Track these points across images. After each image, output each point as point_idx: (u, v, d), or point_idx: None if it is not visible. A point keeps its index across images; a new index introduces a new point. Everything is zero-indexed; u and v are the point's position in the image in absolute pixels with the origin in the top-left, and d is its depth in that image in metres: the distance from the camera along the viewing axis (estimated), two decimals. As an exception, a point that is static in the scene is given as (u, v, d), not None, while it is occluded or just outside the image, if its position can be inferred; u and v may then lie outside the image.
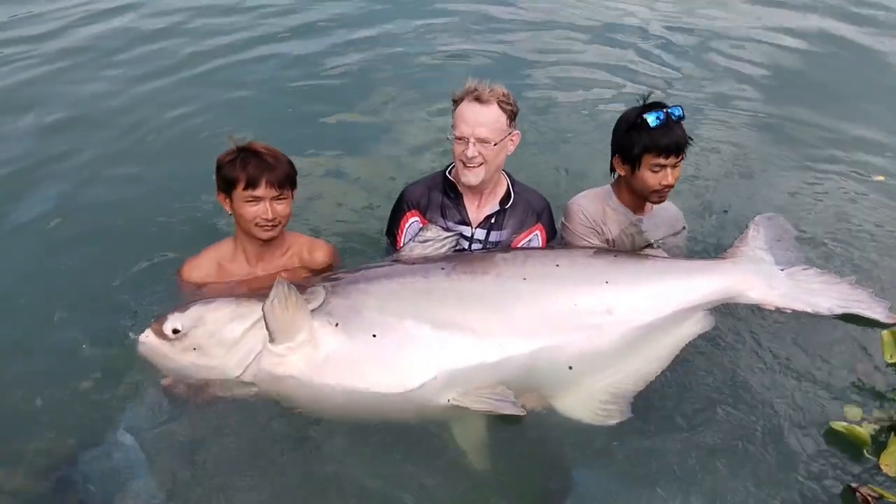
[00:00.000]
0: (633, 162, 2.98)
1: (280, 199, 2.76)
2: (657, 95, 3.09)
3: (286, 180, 2.75)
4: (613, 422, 2.46)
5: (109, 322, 2.85)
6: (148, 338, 2.53)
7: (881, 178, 4.43)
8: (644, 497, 2.31)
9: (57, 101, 5.01)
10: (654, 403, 2.63)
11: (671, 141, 2.88)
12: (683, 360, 2.75)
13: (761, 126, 5.12)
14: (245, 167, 2.68)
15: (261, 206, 2.73)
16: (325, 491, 2.36)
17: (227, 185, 2.74)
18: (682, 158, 2.96)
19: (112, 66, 5.67)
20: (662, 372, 2.62)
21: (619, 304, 2.70)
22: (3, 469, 2.38)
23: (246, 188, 2.70)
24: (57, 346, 2.81)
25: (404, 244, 2.99)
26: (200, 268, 2.90)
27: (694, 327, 2.78)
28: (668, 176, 2.93)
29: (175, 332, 2.50)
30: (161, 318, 2.53)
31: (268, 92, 5.38)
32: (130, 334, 2.58)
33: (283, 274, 2.82)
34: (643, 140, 2.91)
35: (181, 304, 2.57)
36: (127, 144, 4.56)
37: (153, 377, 2.55)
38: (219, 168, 2.76)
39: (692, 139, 3.04)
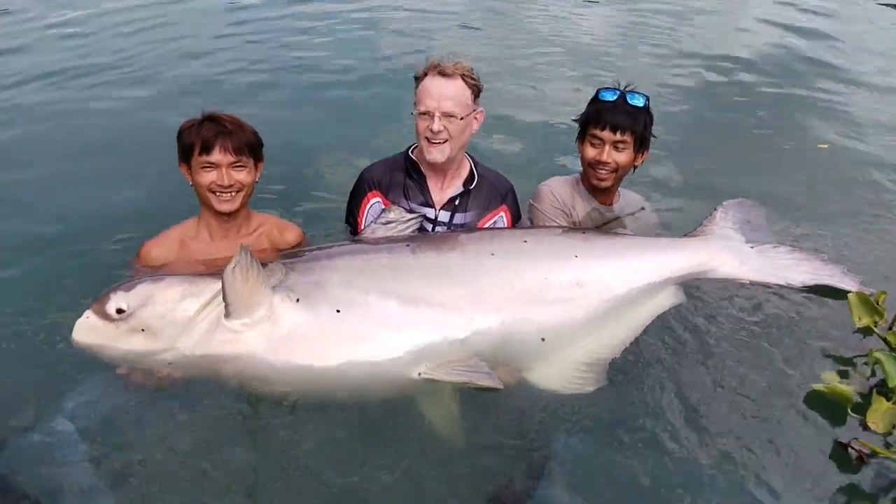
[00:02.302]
0: (581, 133, 3.03)
1: (238, 165, 2.63)
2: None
3: (245, 147, 2.63)
4: (590, 389, 2.39)
5: (53, 304, 2.64)
6: (88, 319, 2.29)
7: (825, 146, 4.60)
8: (624, 463, 2.22)
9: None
10: (630, 372, 2.56)
11: (614, 117, 2.89)
12: (657, 335, 2.71)
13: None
14: (200, 131, 2.57)
15: (215, 172, 2.60)
16: (283, 478, 2.18)
17: (185, 153, 2.63)
18: (631, 146, 2.94)
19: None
20: (636, 342, 2.58)
21: (589, 278, 2.64)
22: None
23: (201, 153, 2.58)
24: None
25: (366, 226, 2.87)
26: (162, 245, 2.71)
27: (666, 300, 2.76)
28: (604, 153, 2.92)
29: (119, 311, 2.28)
30: (103, 297, 2.31)
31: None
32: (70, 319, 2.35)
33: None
34: (589, 110, 2.99)
35: (125, 282, 2.37)
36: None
37: (100, 362, 2.33)
38: (178, 135, 2.65)
39: (654, 136, 3.06)
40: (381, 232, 2.78)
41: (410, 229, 2.80)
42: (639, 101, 2.96)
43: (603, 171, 2.98)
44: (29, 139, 4.48)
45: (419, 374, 2.31)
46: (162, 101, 5.12)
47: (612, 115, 2.91)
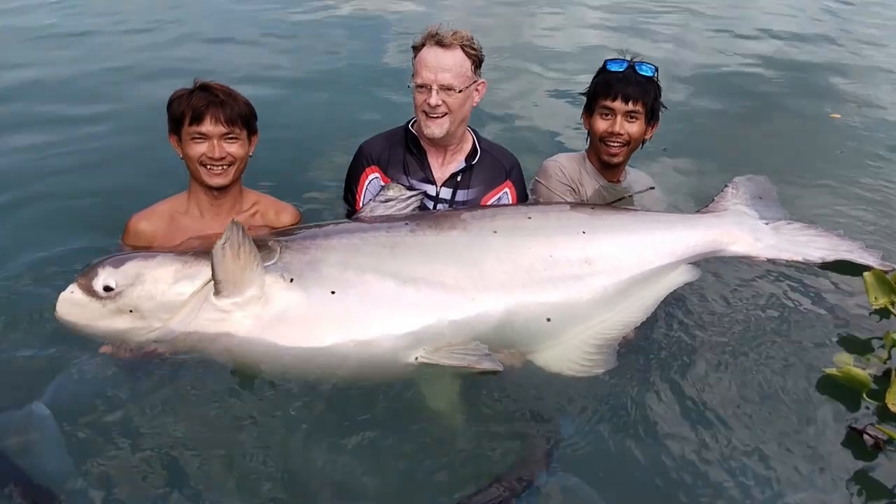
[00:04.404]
0: (589, 107, 2.94)
1: (230, 137, 2.51)
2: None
3: (238, 118, 2.50)
4: (599, 371, 2.28)
5: (41, 281, 2.55)
6: (73, 294, 2.18)
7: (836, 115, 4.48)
8: (634, 448, 2.10)
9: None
10: (639, 354, 2.45)
11: (625, 87, 2.82)
12: (667, 315, 2.59)
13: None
14: (191, 100, 2.45)
15: (206, 144, 2.48)
16: (271, 462, 2.06)
17: (175, 123, 2.51)
18: (643, 116, 2.86)
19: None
20: (647, 322, 2.46)
21: (598, 255, 2.53)
22: None
23: (191, 123, 2.46)
24: None
25: (364, 204, 2.75)
26: (150, 219, 2.60)
27: (677, 279, 2.64)
28: (616, 124, 2.84)
29: (107, 289, 2.17)
30: (90, 272, 2.19)
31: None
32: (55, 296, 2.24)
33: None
34: (598, 81, 2.91)
35: (114, 256, 2.24)
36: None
37: (83, 343, 2.23)
38: (168, 104, 2.52)
39: (665, 106, 2.97)
40: (381, 210, 2.66)
41: (410, 207, 2.69)
42: (648, 71, 2.89)
43: (615, 145, 2.88)
44: (22, 115, 4.37)
45: (417, 358, 2.21)
46: (154, 75, 5.00)
47: (622, 85, 2.82)
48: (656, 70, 2.91)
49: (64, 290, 2.19)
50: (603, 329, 2.40)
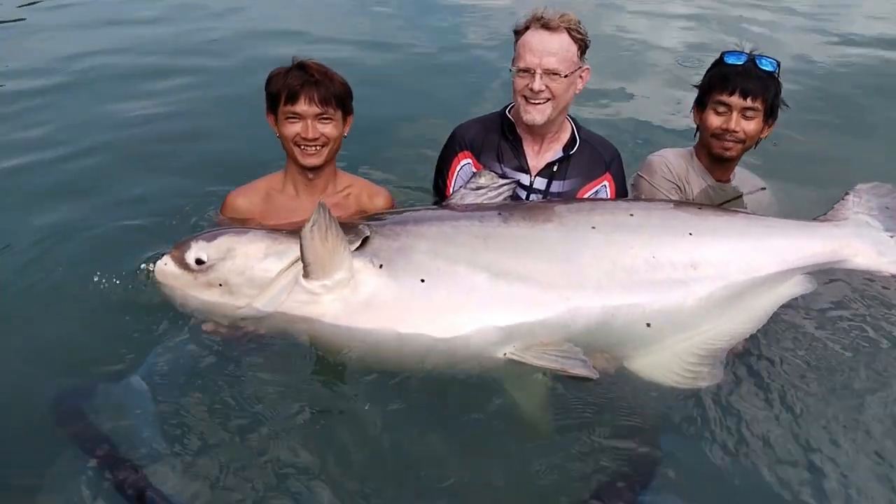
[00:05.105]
0: (702, 101, 2.75)
1: (324, 118, 2.47)
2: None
3: (332, 98, 2.46)
4: (703, 384, 2.12)
5: (142, 256, 2.55)
6: (166, 265, 2.21)
7: None
8: (739, 468, 1.95)
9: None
10: (747, 370, 2.27)
11: (743, 82, 2.62)
12: (778, 328, 2.39)
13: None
14: (287, 79, 2.43)
15: (300, 124, 2.46)
16: (352, 450, 2.02)
17: (272, 102, 2.51)
18: (761, 114, 2.66)
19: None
20: (756, 334, 2.28)
21: (704, 259, 2.33)
22: (14, 390, 2.17)
23: (286, 103, 2.44)
24: (84, 281, 2.51)
25: (454, 191, 2.65)
26: (247, 196, 2.63)
27: (791, 290, 2.41)
28: (732, 120, 2.64)
29: (199, 262, 2.18)
30: (183, 245, 2.21)
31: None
32: (150, 265, 2.26)
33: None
34: (714, 74, 2.71)
35: (207, 231, 2.25)
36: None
37: (182, 318, 2.24)
38: (266, 83, 2.52)
39: (786, 104, 2.75)
40: (471, 198, 2.55)
41: (502, 196, 2.57)
42: (769, 66, 2.67)
43: (729, 142, 2.67)
44: (126, 97, 4.49)
45: (505, 354, 2.10)
46: (252, 54, 5.03)
47: (741, 79, 2.62)
48: (778, 65, 2.70)
49: (159, 260, 2.22)
50: (708, 339, 2.23)
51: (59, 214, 3.10)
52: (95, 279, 2.45)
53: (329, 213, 2.09)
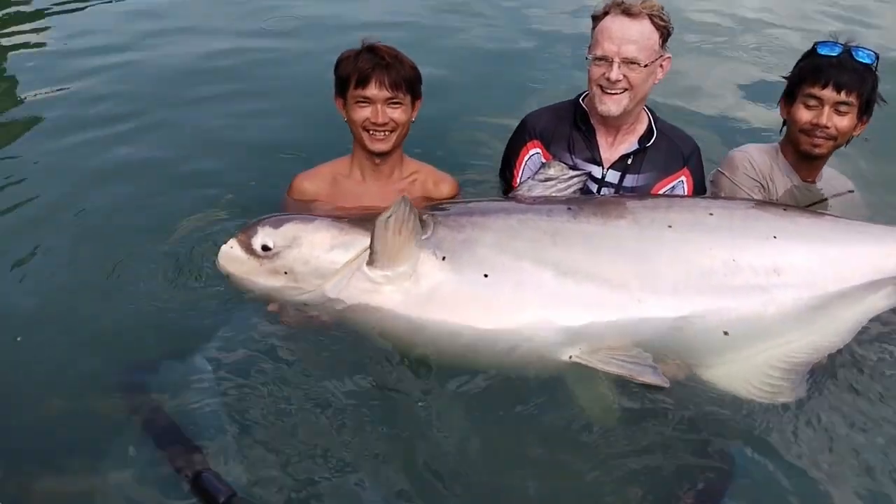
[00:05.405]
0: (791, 93, 2.58)
1: (393, 102, 2.43)
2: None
3: (402, 83, 2.42)
4: (784, 399, 2.00)
5: (210, 237, 2.59)
6: (233, 249, 2.19)
7: None
8: (823, 494, 1.81)
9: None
10: (832, 385, 2.13)
11: (837, 74, 2.44)
12: (869, 341, 2.22)
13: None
14: (357, 63, 2.39)
15: (370, 108, 2.42)
16: (410, 446, 1.98)
17: (341, 85, 2.48)
18: (855, 110, 2.48)
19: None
20: (844, 349, 2.12)
21: (789, 265, 2.19)
22: (82, 359, 2.21)
23: (356, 87, 2.41)
24: (150, 258, 2.57)
25: (522, 182, 2.56)
26: (314, 180, 2.62)
27: (883, 301, 2.23)
28: (823, 115, 2.47)
29: (265, 248, 2.16)
30: (250, 229, 2.19)
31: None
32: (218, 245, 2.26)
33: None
34: (805, 65, 2.54)
35: (273, 216, 2.23)
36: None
37: (248, 301, 2.24)
38: (336, 66, 2.49)
39: (884, 100, 2.55)
40: (539, 189, 2.45)
41: (572, 189, 2.45)
42: (867, 58, 2.48)
43: (819, 138, 2.49)
44: (196, 83, 4.54)
45: (570, 356, 2.02)
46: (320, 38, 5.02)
47: (835, 71, 2.44)
48: (877, 57, 2.50)
49: (225, 243, 2.21)
50: (790, 351, 2.09)
51: (127, 188, 3.16)
52: (163, 256, 2.49)
53: (410, 206, 2.05)
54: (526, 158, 2.69)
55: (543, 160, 2.62)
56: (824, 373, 2.12)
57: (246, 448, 1.91)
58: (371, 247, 2.06)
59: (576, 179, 2.48)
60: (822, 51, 2.51)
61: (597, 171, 2.63)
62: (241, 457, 1.88)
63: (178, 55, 4.90)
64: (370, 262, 2.08)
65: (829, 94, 2.45)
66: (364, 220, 2.21)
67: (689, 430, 1.98)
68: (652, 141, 2.62)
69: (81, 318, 2.37)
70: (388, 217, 2.01)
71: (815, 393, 2.04)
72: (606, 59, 2.43)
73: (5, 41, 5.21)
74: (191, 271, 2.45)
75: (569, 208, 2.33)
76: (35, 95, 4.22)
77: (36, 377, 2.15)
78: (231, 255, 2.19)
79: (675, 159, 2.63)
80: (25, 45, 5.19)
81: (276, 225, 2.19)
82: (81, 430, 1.98)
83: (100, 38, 5.18)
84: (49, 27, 5.56)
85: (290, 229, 2.17)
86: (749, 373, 2.04)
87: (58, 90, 4.26)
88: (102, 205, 3.02)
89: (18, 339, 2.26)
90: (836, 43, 2.51)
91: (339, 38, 4.18)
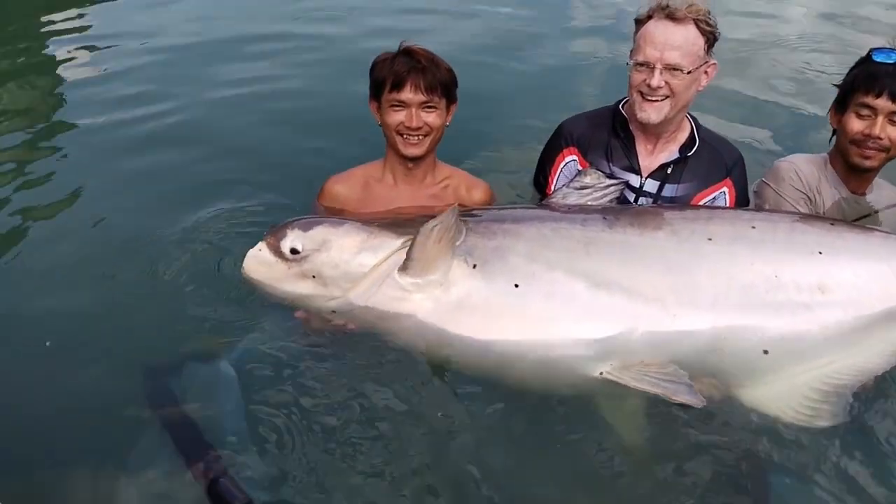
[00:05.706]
0: (843, 102, 2.47)
1: (428, 106, 2.40)
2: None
3: (438, 86, 2.39)
4: (824, 424, 1.91)
5: (240, 241, 2.58)
6: (261, 252, 2.17)
7: None
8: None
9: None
10: (874, 407, 2.05)
11: (893, 83, 2.34)
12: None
13: None
14: (393, 66, 2.37)
15: (404, 112, 2.40)
16: (437, 461, 1.96)
17: (376, 88, 2.46)
18: None
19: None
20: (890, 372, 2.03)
21: (835, 282, 2.09)
22: (106, 359, 2.23)
23: (391, 90, 2.38)
24: (183, 265, 2.59)
25: (556, 189, 2.50)
26: (346, 183, 2.61)
27: None
28: (877, 126, 2.37)
29: (294, 252, 2.14)
30: (278, 232, 2.17)
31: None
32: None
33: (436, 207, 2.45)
34: (858, 73, 2.43)
35: (302, 219, 2.21)
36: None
37: (275, 306, 2.24)
38: (371, 69, 2.48)
39: None
40: (574, 198, 2.39)
41: (609, 198, 2.39)
42: None
43: (871, 149, 2.40)
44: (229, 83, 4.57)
45: (601, 372, 1.96)
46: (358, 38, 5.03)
47: (890, 80, 2.34)
48: None
49: (253, 246, 2.19)
50: (833, 372, 2.00)
51: (155, 188, 3.19)
52: (190, 259, 2.53)
53: (457, 216, 2.02)
54: (561, 165, 2.63)
55: (580, 168, 2.56)
56: (868, 397, 2.03)
57: (266, 455, 1.90)
58: (408, 253, 2.03)
59: (612, 188, 2.41)
60: (878, 58, 2.41)
61: (635, 180, 2.55)
62: (261, 464, 1.87)
63: (210, 49, 4.93)
64: (403, 269, 2.05)
65: (883, 103, 2.35)
66: (394, 224, 2.19)
67: (721, 453, 1.92)
68: (694, 150, 2.54)
69: (107, 320, 2.39)
70: (434, 226, 1.97)
71: (857, 418, 1.95)
72: (648, 65, 2.36)
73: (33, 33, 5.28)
74: (217, 274, 2.46)
75: (604, 217, 2.27)
76: (62, 94, 4.31)
77: (61, 378, 2.17)
78: (259, 258, 2.17)
79: (718, 169, 2.54)
80: (55, 40, 5.29)
81: (306, 228, 2.16)
82: (103, 432, 1.99)
83: (128, 33, 5.26)
84: (80, 22, 5.66)
85: (320, 232, 2.15)
86: (788, 394, 1.96)
87: (86, 87, 4.35)
88: (129, 206, 3.04)
89: (48, 343, 2.27)
90: (892, 50, 2.41)
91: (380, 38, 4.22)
